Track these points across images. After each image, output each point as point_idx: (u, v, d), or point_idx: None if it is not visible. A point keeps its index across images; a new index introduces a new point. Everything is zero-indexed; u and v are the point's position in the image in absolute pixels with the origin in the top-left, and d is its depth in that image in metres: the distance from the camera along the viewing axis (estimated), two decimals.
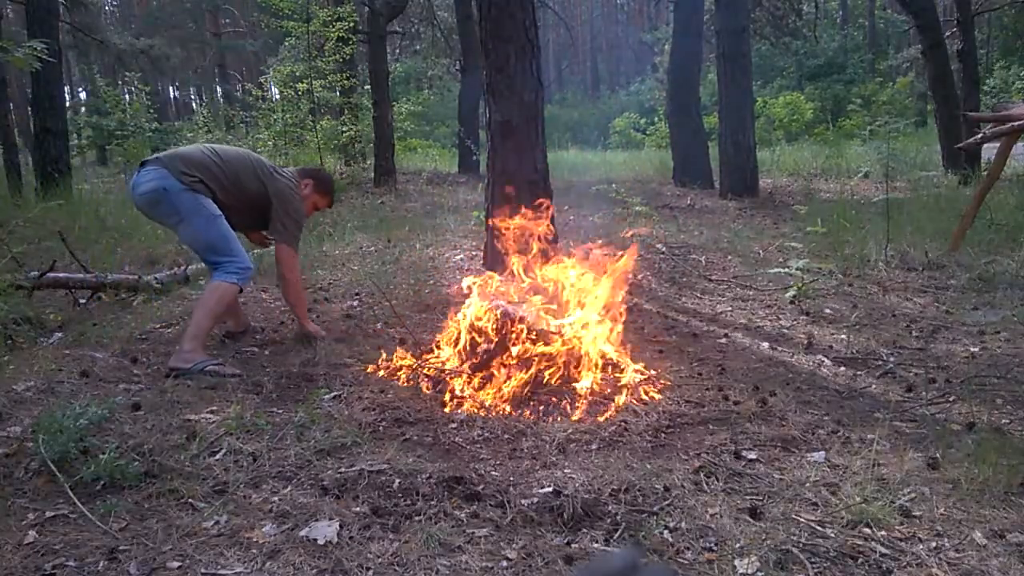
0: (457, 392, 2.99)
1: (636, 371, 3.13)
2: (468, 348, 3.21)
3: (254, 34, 27.21)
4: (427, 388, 3.07)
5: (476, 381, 3.06)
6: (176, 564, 1.82)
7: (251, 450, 2.42)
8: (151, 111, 15.46)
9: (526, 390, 2.94)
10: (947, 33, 11.03)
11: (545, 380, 3.01)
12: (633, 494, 2.15)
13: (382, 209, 8.71)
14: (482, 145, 7.98)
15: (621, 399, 2.88)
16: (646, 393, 2.98)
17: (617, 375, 3.09)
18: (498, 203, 4.76)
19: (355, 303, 4.50)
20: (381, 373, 3.27)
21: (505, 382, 2.99)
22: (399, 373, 3.24)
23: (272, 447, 2.46)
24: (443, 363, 3.26)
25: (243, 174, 3.56)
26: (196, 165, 3.44)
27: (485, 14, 4.68)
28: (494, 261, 4.64)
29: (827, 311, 4.32)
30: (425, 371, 3.21)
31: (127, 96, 19.57)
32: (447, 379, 3.10)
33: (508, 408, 2.85)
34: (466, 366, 3.15)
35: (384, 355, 3.41)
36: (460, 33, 13.93)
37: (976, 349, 3.58)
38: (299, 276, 3.76)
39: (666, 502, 2.11)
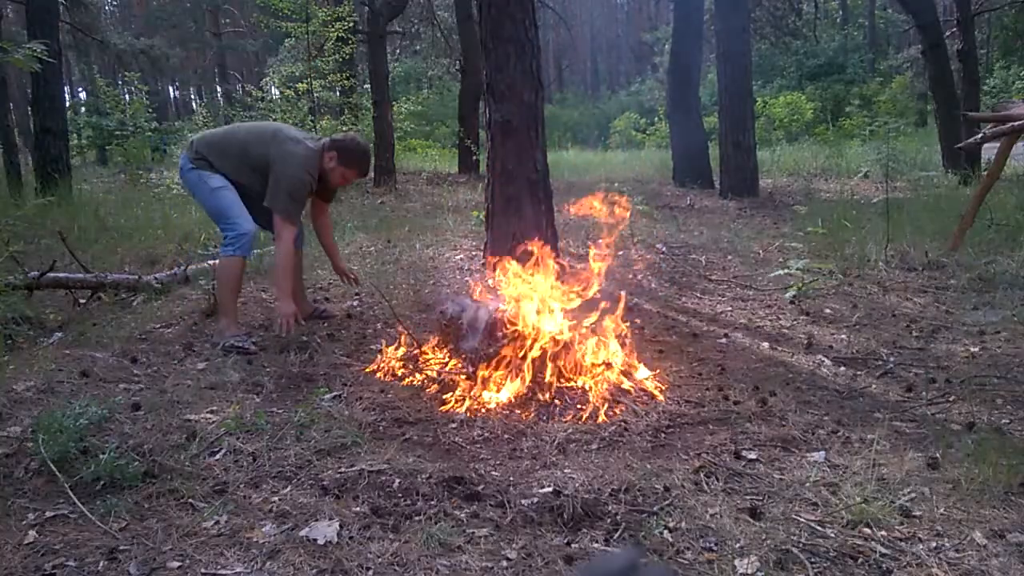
0: (457, 392, 2.98)
1: (631, 366, 3.13)
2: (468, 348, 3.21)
3: (254, 34, 27.20)
4: (427, 388, 3.07)
5: (476, 381, 3.05)
6: (176, 564, 1.82)
7: (251, 450, 2.42)
8: (151, 111, 15.44)
9: (526, 390, 2.94)
10: (947, 33, 11.03)
11: (545, 380, 3.00)
12: (633, 494, 2.15)
13: (382, 209, 8.71)
14: (482, 145, 7.99)
15: (621, 399, 2.88)
16: (646, 392, 2.97)
17: (617, 374, 3.09)
18: (499, 204, 4.76)
19: (355, 303, 4.50)
20: (380, 373, 3.27)
21: (505, 382, 2.99)
22: (399, 372, 3.24)
23: (272, 447, 2.46)
24: (443, 363, 3.26)
25: (252, 143, 3.63)
26: (205, 144, 3.68)
27: (485, 14, 4.68)
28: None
29: (827, 311, 4.32)
30: (425, 371, 3.21)
31: (127, 96, 19.55)
32: (447, 379, 3.10)
33: (508, 408, 2.85)
34: (466, 366, 3.14)
35: (384, 355, 3.40)
36: (460, 33, 13.92)
37: (976, 349, 3.58)
38: (288, 254, 3.62)
39: (666, 502, 2.11)
